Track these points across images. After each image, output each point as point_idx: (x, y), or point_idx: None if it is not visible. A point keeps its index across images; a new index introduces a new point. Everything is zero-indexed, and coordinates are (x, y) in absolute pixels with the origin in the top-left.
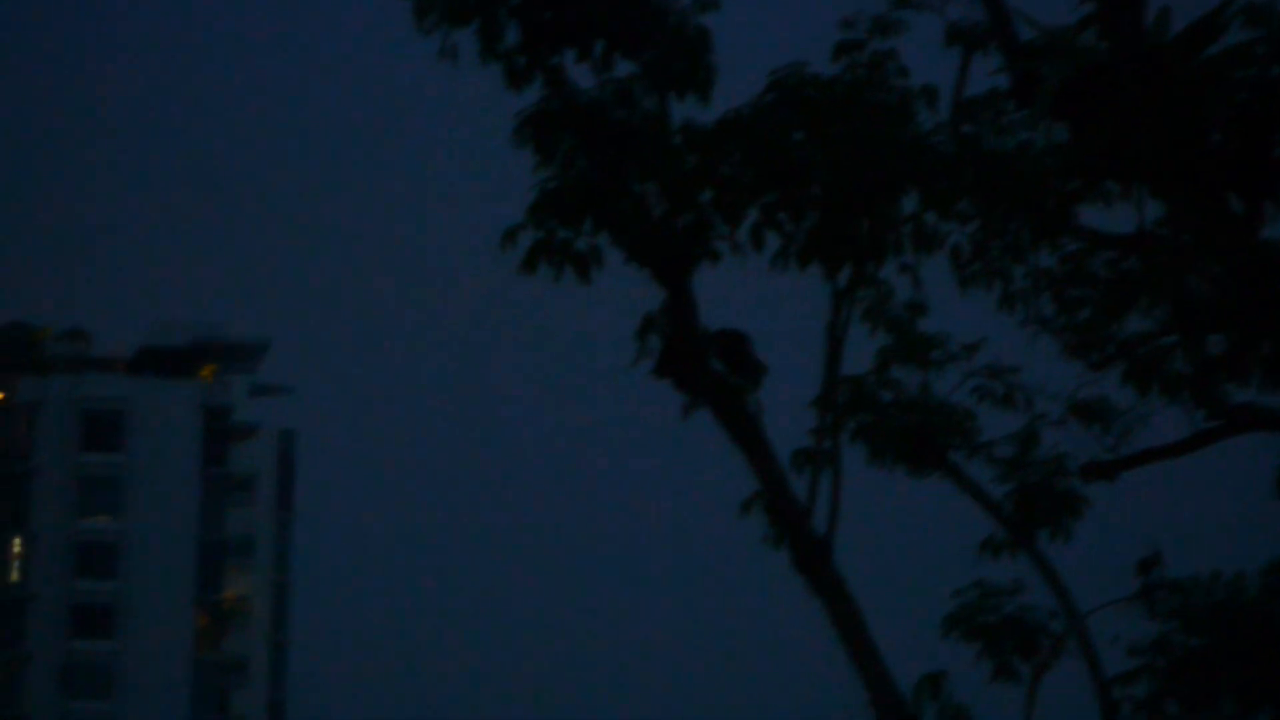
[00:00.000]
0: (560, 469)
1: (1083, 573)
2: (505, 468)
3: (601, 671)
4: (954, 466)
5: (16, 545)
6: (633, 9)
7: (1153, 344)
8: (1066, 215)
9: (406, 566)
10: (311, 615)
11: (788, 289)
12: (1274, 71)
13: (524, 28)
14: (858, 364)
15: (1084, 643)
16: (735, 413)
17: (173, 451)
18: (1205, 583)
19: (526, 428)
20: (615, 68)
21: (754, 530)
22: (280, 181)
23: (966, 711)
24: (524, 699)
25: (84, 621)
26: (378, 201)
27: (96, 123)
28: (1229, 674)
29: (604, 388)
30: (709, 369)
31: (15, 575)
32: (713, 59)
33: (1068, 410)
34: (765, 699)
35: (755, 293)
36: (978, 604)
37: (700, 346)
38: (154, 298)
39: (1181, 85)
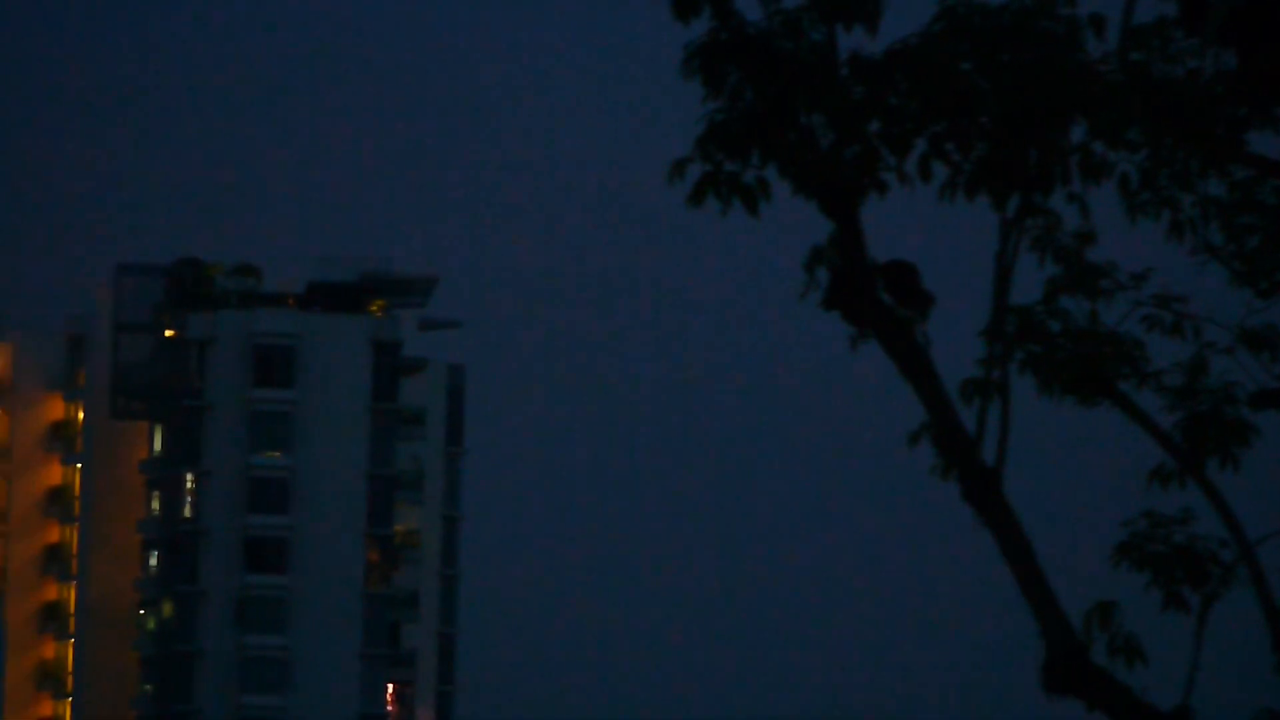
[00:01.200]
0: (732, 396)
1: (1253, 501)
2: (678, 398)
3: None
4: (1122, 396)
5: (189, 481)
6: None
7: None
8: (1235, 142)
9: (576, 498)
10: (481, 548)
11: (955, 220)
12: None
13: None
14: (1026, 294)
15: (1254, 571)
16: (903, 344)
17: (342, 387)
18: None
19: (702, 357)
20: None
21: (923, 461)
22: (450, 114)
23: (1136, 640)
24: (696, 623)
25: (256, 556)
26: (547, 133)
27: (266, 61)
28: None
29: (776, 317)
30: (877, 300)
31: (188, 511)
32: None
33: (1237, 338)
34: (934, 631)
35: (926, 223)
36: (1147, 533)
37: (868, 278)
38: (324, 233)
39: None
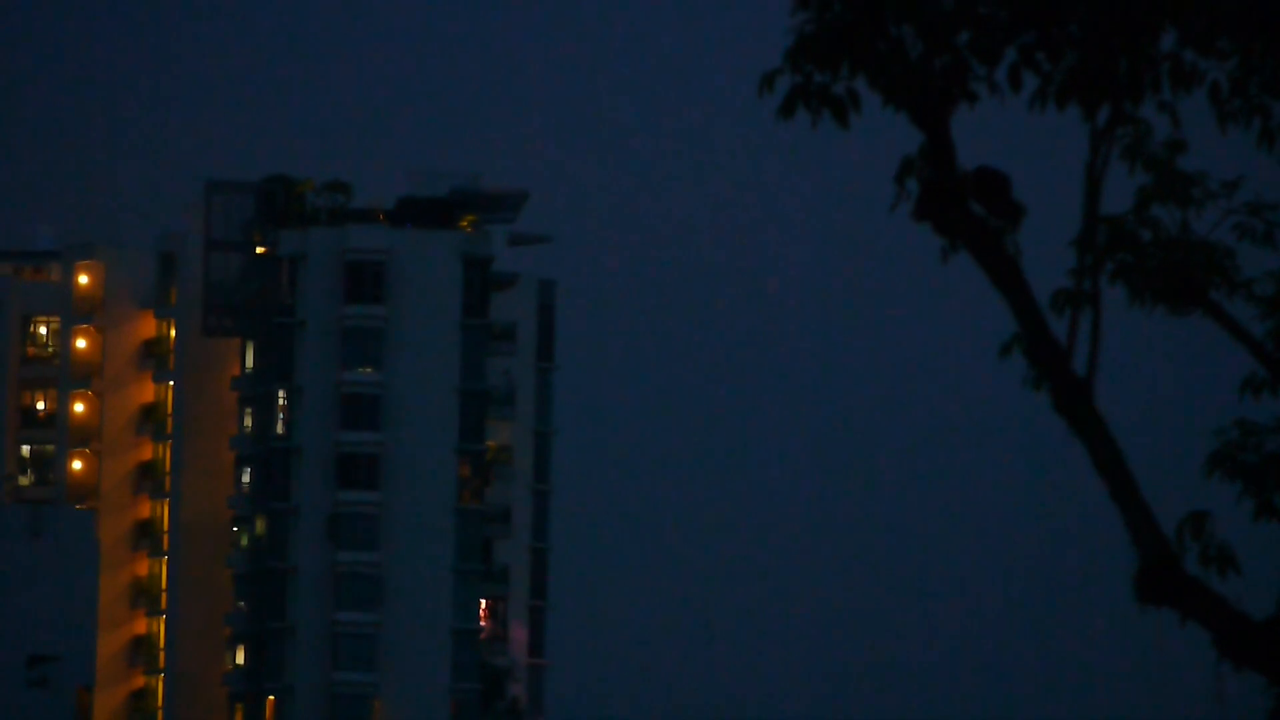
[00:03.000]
0: (822, 320)
1: None
2: (768, 315)
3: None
4: (1215, 305)
5: (281, 398)
6: None
7: None
8: None
9: (665, 416)
10: (572, 464)
11: (1046, 129)
12: None
13: None
14: (1117, 204)
15: None
16: (995, 254)
17: (433, 302)
18: None
19: (788, 274)
20: None
21: (1015, 372)
22: (538, 31)
23: (1230, 549)
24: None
25: (348, 473)
26: (638, 50)
27: None
28: None
29: (870, 229)
30: (968, 211)
31: (281, 428)
32: None
33: None
34: (1034, 541)
35: (1017, 133)
36: (1239, 443)
37: (959, 188)
38: (412, 148)
39: None
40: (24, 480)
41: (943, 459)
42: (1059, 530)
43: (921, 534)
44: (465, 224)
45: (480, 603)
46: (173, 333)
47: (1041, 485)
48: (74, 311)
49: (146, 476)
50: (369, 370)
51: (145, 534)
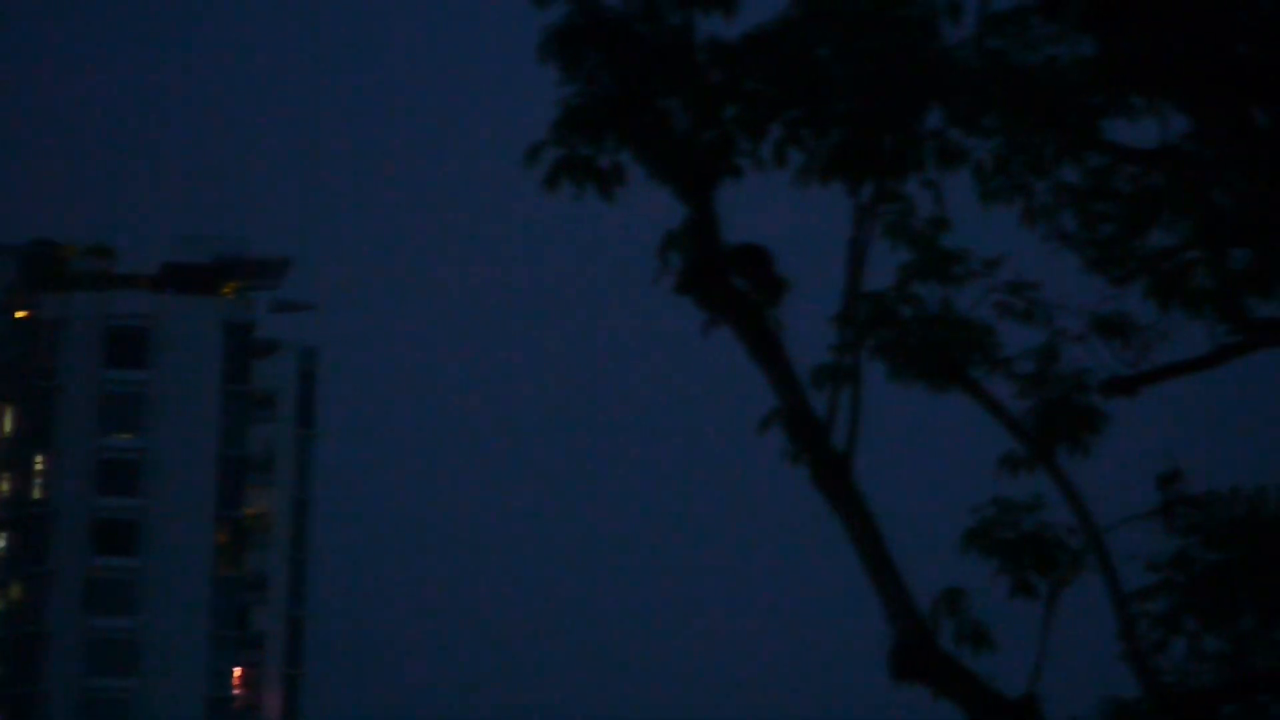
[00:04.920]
0: (583, 383)
1: (1102, 489)
2: (529, 381)
3: (611, 575)
4: (974, 382)
5: (40, 462)
6: None
7: (1176, 258)
8: (1091, 130)
9: (428, 482)
10: (332, 532)
11: (810, 205)
12: None
13: None
14: (880, 280)
15: (1103, 558)
16: (756, 329)
17: (195, 368)
18: (1225, 498)
19: (551, 342)
20: None
21: (774, 447)
22: (304, 98)
23: (984, 627)
24: (544, 601)
25: (107, 538)
26: (403, 118)
27: (119, 32)
28: (1249, 589)
29: (628, 304)
30: (731, 285)
31: (39, 492)
32: None
33: (1089, 325)
34: (785, 617)
35: (778, 209)
36: (997, 520)
37: (722, 263)
38: (178, 214)
39: None
40: None
41: (698, 521)
42: (814, 603)
43: (676, 581)
44: (229, 290)
45: (235, 670)
46: None
47: (800, 563)
48: None
49: None
50: (129, 435)
51: None
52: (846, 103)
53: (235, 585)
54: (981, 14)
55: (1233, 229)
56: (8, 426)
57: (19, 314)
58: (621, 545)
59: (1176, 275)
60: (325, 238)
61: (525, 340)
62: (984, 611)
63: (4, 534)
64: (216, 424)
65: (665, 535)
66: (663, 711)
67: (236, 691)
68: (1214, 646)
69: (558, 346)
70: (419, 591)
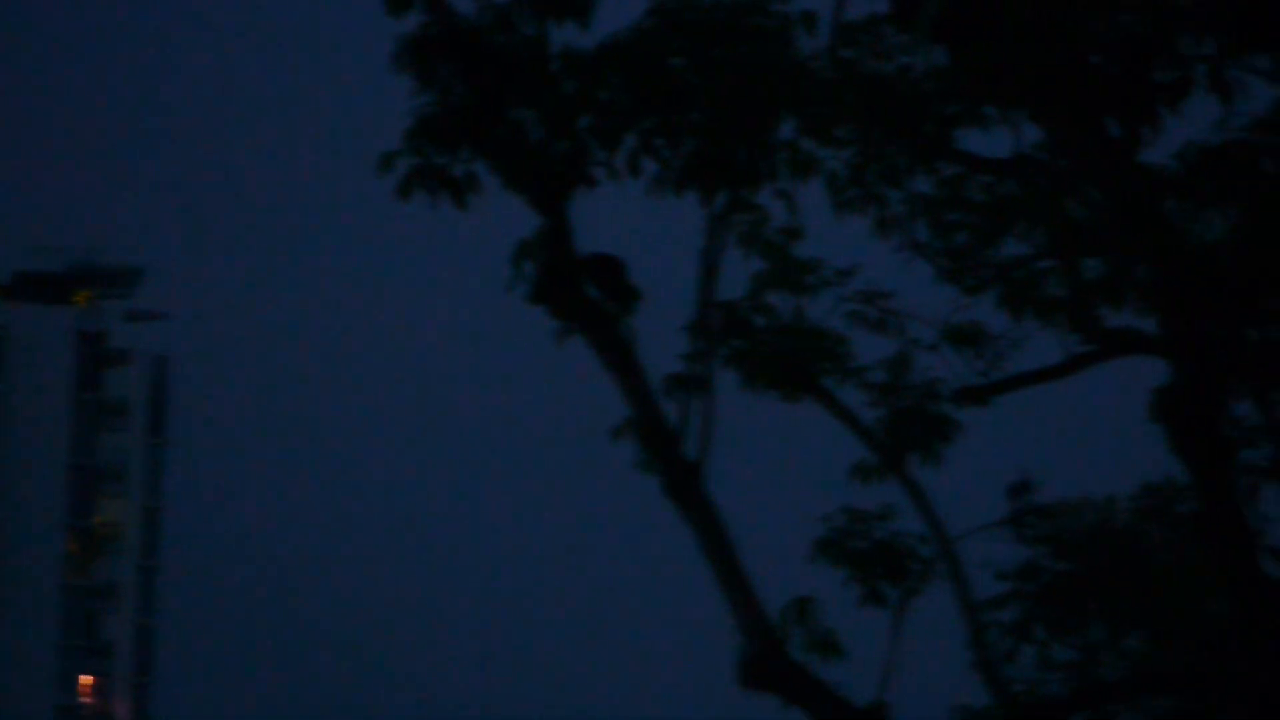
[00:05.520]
0: (436, 393)
1: (953, 498)
2: (382, 392)
3: (468, 581)
4: (826, 392)
5: None
6: None
7: (1028, 268)
8: (944, 140)
9: (278, 492)
10: (182, 541)
11: (665, 215)
12: None
13: None
14: (734, 289)
15: (953, 568)
16: (609, 338)
17: (46, 377)
18: (1076, 507)
19: (404, 353)
20: None
21: (627, 456)
22: (157, 104)
23: (834, 636)
24: (397, 611)
25: None
26: (256, 126)
27: None
28: (1098, 599)
29: (482, 313)
30: (584, 295)
31: None
32: None
33: (942, 335)
34: (637, 626)
35: (632, 219)
36: (847, 529)
37: (575, 272)
38: (29, 222)
39: (1063, 7)
40: None
41: (553, 533)
42: (667, 610)
43: (523, 587)
44: (81, 298)
45: (84, 678)
46: None
47: (665, 575)
48: None
49: None
50: None
51: None
52: (700, 112)
53: (84, 593)
54: (835, 23)
55: (1084, 238)
56: None
57: None
58: (468, 552)
59: (1029, 285)
60: (179, 247)
61: (378, 350)
62: (834, 620)
63: None
64: (67, 432)
65: (513, 542)
66: (506, 711)
67: (85, 700)
68: (1063, 656)
69: (412, 355)
70: (269, 599)
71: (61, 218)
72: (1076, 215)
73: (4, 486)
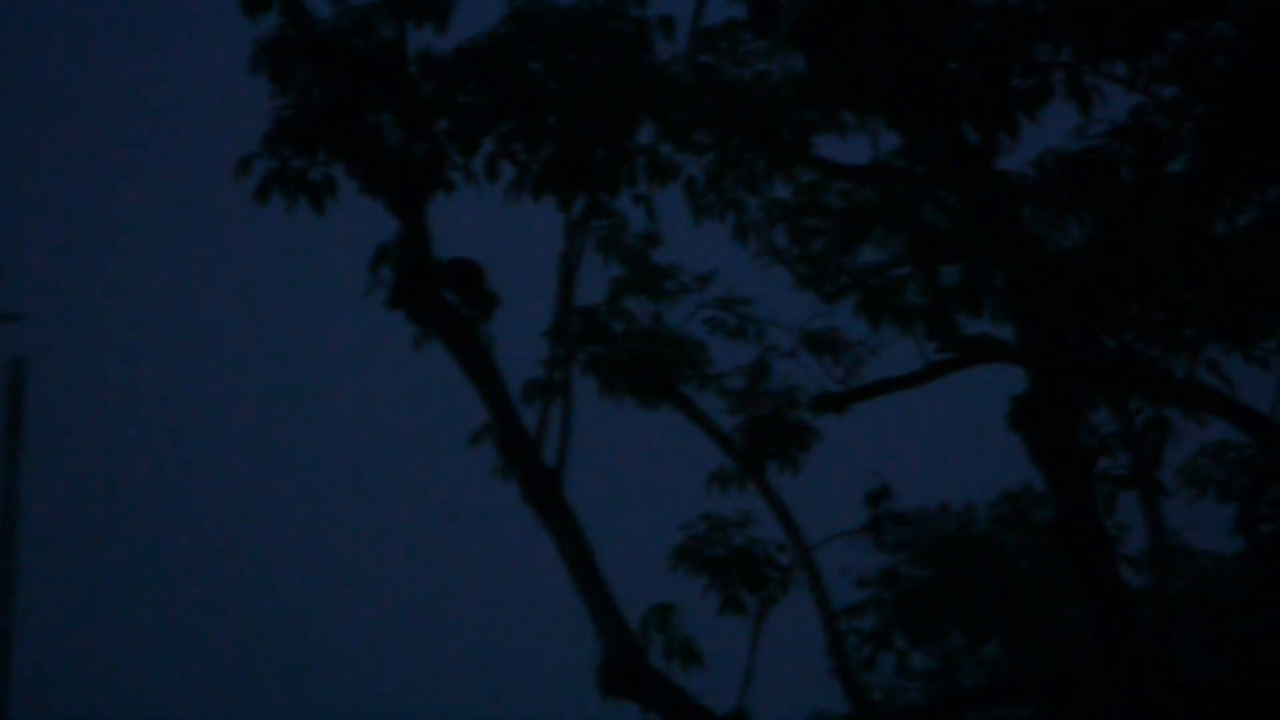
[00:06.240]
0: (295, 398)
1: (812, 505)
2: (241, 395)
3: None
4: (684, 398)
5: None
6: None
7: (886, 275)
8: (802, 146)
9: (140, 494)
10: (41, 546)
11: (524, 219)
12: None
13: None
14: (592, 295)
15: (812, 575)
16: (467, 344)
17: None
18: (934, 515)
19: (262, 357)
20: None
21: (485, 461)
22: (6, 100)
23: (693, 643)
24: (257, 620)
25: None
26: (115, 126)
27: None
28: (956, 606)
29: (341, 316)
30: (441, 300)
31: None
32: None
33: (800, 342)
34: (495, 633)
35: (492, 223)
36: (706, 536)
37: (433, 277)
38: None
39: (921, 13)
40: None
41: (413, 540)
42: (527, 617)
43: (378, 594)
44: None
45: None
46: None
47: (523, 583)
48: None
49: None
50: None
51: None
52: (558, 117)
53: None
54: (693, 29)
55: (942, 246)
56: None
57: None
58: (333, 561)
59: (887, 291)
60: (36, 247)
61: (237, 352)
62: (694, 627)
63: None
64: None
65: (367, 544)
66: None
67: None
68: (922, 664)
69: (268, 358)
70: (129, 602)
71: None
72: (934, 222)
73: None
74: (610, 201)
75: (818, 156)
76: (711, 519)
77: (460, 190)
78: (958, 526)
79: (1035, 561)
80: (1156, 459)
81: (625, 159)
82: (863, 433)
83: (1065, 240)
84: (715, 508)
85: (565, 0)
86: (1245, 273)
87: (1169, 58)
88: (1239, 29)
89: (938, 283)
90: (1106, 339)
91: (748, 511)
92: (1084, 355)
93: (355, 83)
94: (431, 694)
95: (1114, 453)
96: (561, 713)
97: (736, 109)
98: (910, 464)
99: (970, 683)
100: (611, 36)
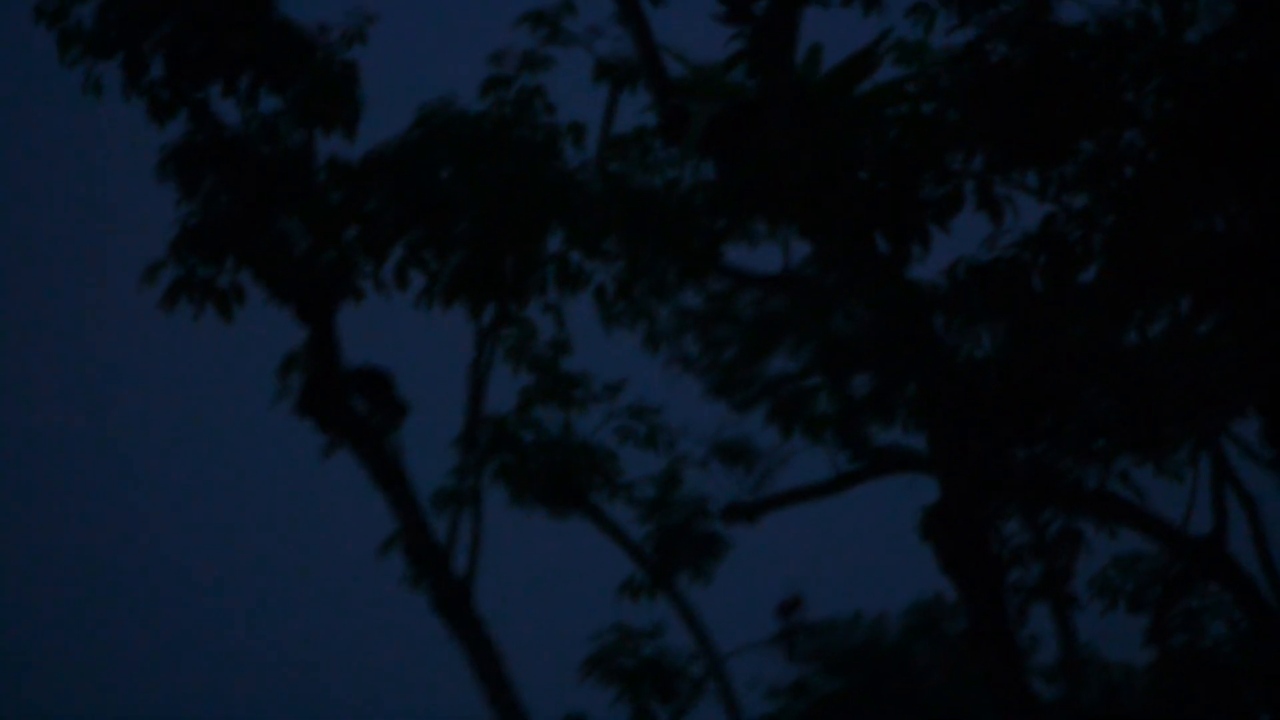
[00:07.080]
0: (197, 508)
1: (723, 615)
2: (139, 506)
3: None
4: (595, 507)
5: None
6: (280, 42)
7: (797, 384)
8: (713, 254)
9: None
10: None
11: (433, 327)
12: (925, 109)
13: (170, 60)
14: (502, 403)
15: (723, 686)
16: (376, 452)
17: None
18: (846, 625)
19: (162, 466)
20: (261, 102)
21: (394, 571)
22: None
23: None
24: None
25: None
26: (16, 228)
27: None
28: (868, 716)
29: (245, 427)
30: (350, 408)
31: None
32: (360, 93)
33: (711, 451)
34: None
35: (402, 330)
36: (617, 646)
37: (342, 385)
38: None
39: (832, 122)
40: None
41: (319, 650)
42: None
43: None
44: None
45: None
46: None
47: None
48: None
49: None
50: None
51: None
52: (468, 224)
53: None
54: (603, 136)
55: (853, 355)
56: None
57: None
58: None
59: (798, 401)
60: None
61: (144, 458)
62: None
63: None
64: None
65: (276, 666)
66: None
67: None
68: None
69: (174, 467)
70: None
71: None
72: (845, 332)
73: None
74: (519, 310)
75: (728, 265)
76: (622, 629)
77: (370, 297)
78: (869, 637)
79: (946, 672)
80: (1068, 570)
81: (535, 267)
82: (774, 542)
83: (977, 350)
84: (627, 617)
85: (474, 107)
86: (1156, 384)
87: (1080, 167)
88: (1148, 138)
89: (849, 392)
90: (1018, 449)
91: (659, 621)
92: (996, 465)
93: (263, 189)
94: None
95: (1025, 563)
96: None
97: (646, 217)
98: (823, 573)
99: None
100: (521, 144)
